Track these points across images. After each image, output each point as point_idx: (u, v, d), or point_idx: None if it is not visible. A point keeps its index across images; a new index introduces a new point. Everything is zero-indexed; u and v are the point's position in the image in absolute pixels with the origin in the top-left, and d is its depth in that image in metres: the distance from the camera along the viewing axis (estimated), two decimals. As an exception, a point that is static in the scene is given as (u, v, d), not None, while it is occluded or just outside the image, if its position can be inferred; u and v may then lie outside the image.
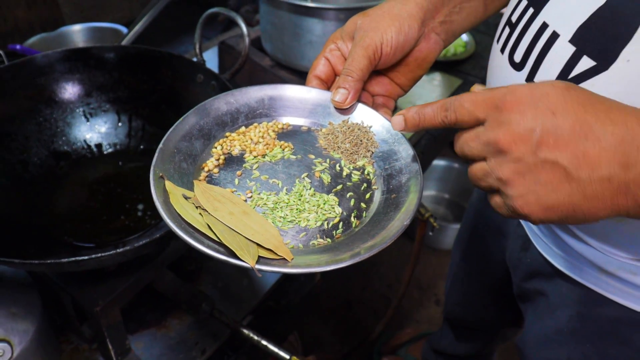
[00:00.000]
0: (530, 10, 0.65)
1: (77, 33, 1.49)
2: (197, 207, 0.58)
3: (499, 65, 0.71)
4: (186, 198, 0.59)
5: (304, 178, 0.67)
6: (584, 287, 0.74)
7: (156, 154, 0.62)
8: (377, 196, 0.66)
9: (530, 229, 0.84)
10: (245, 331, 0.93)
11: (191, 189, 0.62)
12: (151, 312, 1.01)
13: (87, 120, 1.06)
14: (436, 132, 1.47)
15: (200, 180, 0.64)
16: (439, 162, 2.27)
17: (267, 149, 0.69)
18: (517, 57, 0.66)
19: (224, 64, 1.43)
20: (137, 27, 1.25)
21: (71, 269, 0.74)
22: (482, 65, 1.67)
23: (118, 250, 0.70)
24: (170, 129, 0.65)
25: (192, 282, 1.09)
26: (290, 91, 0.74)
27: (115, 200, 0.99)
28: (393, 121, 0.62)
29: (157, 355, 0.96)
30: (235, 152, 0.69)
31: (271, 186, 0.65)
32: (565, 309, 0.79)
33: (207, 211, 0.58)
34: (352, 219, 0.63)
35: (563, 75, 0.59)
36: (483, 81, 1.65)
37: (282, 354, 0.91)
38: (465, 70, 1.64)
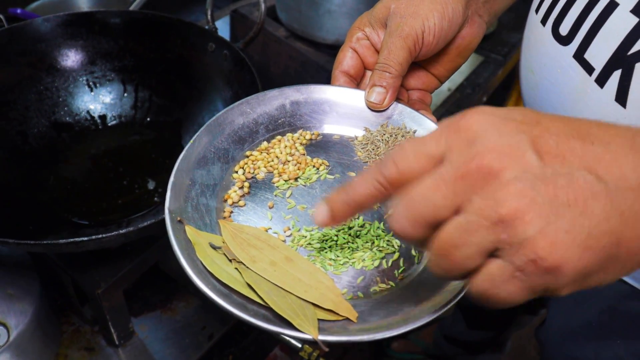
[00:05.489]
0: None
1: (83, -4, 1.42)
2: (230, 260, 0.49)
3: (539, 40, 0.64)
4: (214, 248, 0.50)
5: None
6: (619, 280, 0.69)
7: (168, 191, 0.52)
8: None
9: None
10: (255, 317, 0.88)
11: (217, 230, 0.53)
12: (156, 294, 0.96)
13: (91, 90, 1.00)
14: (463, 103, 1.40)
15: (225, 219, 0.54)
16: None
17: (298, 169, 0.60)
18: (564, 30, 0.59)
19: (236, 33, 1.37)
20: (146, -8, 1.18)
21: (70, 250, 0.69)
22: (505, 42, 1.61)
23: (120, 232, 0.65)
24: (180, 156, 0.55)
25: (200, 262, 1.04)
26: (316, 93, 0.64)
27: (120, 175, 0.93)
28: (315, 215, 0.43)
29: (161, 339, 0.91)
30: (261, 175, 0.59)
31: (312, 218, 0.56)
32: (594, 301, 0.74)
33: (244, 263, 0.48)
34: (413, 252, 0.54)
35: (622, 50, 0.52)
36: (505, 58, 1.59)
37: (293, 340, 0.86)
38: (487, 47, 1.56)
